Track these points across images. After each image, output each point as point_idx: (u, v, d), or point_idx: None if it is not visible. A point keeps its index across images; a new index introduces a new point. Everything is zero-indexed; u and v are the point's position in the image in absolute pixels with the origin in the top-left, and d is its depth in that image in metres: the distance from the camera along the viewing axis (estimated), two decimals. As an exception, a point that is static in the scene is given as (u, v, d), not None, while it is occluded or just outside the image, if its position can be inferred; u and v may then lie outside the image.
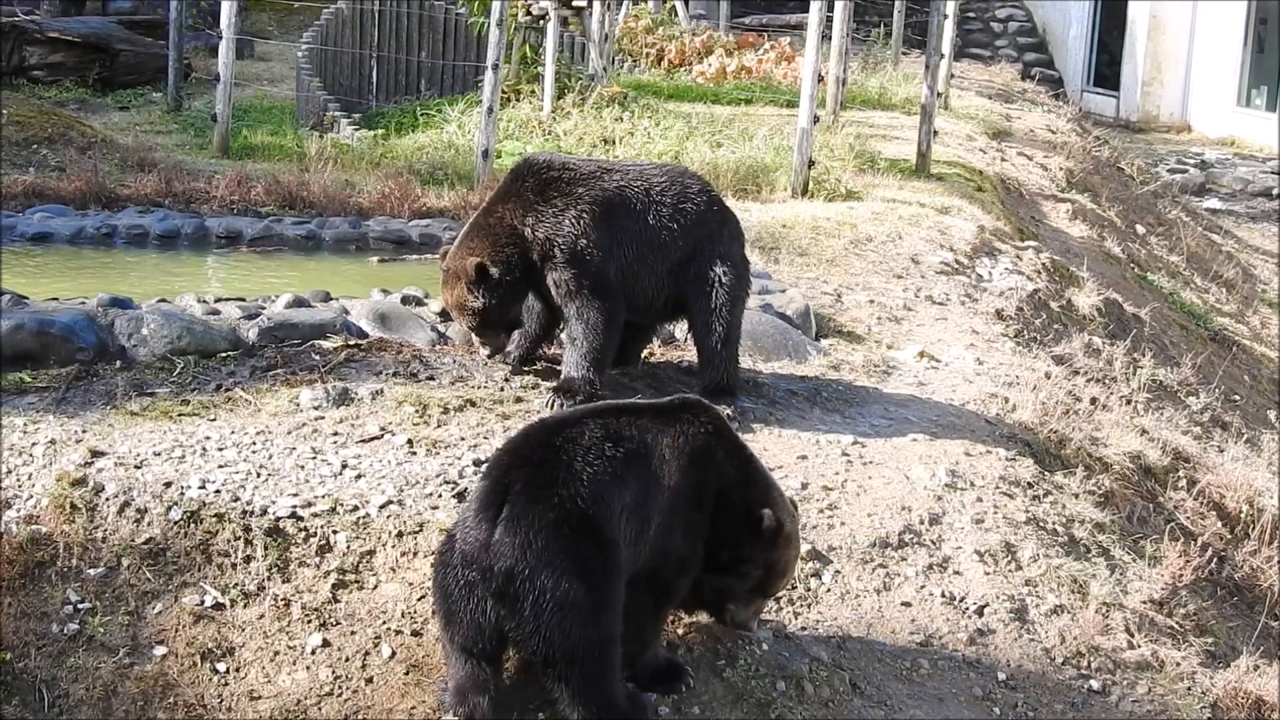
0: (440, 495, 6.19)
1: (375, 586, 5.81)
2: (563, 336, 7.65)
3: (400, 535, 5.98)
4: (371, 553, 5.91)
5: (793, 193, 13.40)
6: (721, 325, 7.40)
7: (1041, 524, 7.01)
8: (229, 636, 5.59)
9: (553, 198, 7.14)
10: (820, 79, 14.61)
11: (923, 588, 6.34)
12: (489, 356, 7.45)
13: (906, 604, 6.23)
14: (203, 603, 5.67)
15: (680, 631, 5.83)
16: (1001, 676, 5.99)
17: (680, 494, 5.35)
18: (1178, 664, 6.38)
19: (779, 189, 13.49)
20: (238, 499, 6.01)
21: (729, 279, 7.43)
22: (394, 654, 5.58)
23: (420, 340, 7.79)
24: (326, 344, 7.59)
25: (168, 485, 6.03)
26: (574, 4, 17.48)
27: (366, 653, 5.58)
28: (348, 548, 5.91)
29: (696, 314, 7.40)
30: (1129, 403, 9.40)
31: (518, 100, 17.00)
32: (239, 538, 5.87)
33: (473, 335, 7.46)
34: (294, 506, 6.01)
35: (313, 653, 5.57)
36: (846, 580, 6.27)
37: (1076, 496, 7.50)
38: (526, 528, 5.01)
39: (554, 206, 7.11)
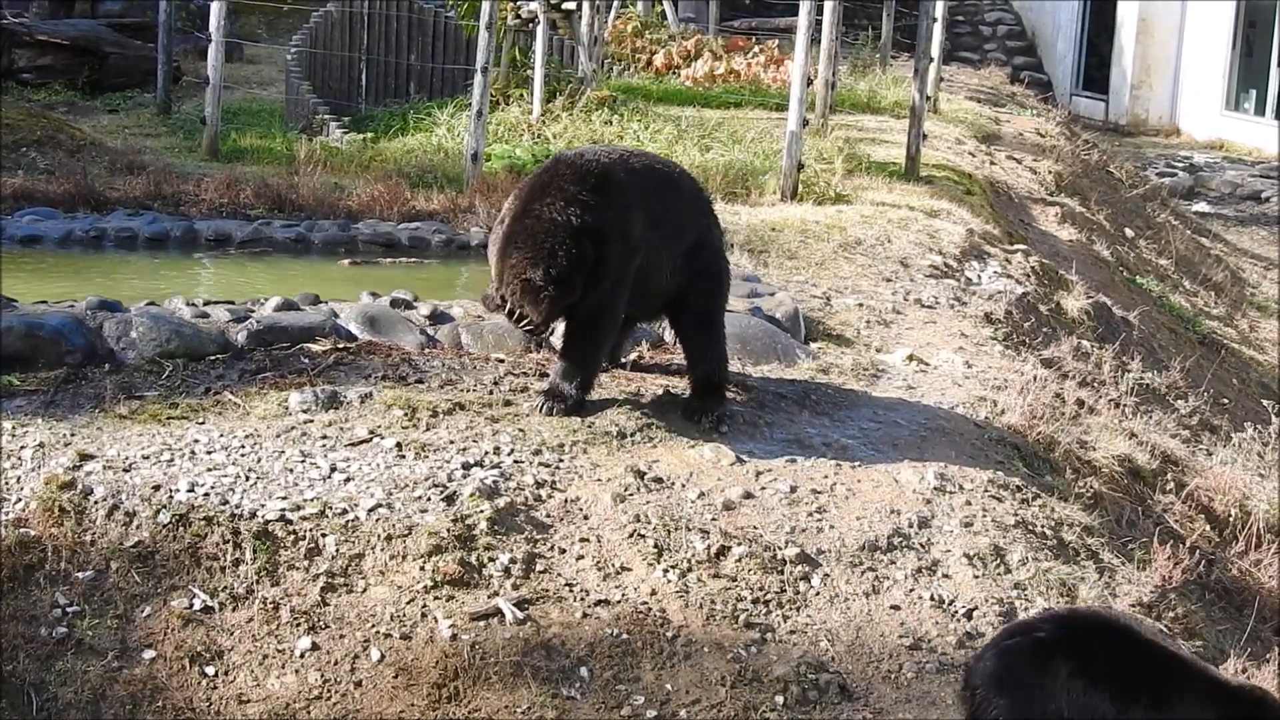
0: (429, 498, 6.19)
1: (364, 590, 5.81)
2: (553, 338, 7.64)
3: (389, 538, 5.98)
4: (360, 556, 5.91)
5: (782, 196, 13.40)
6: (715, 319, 7.41)
7: (1030, 527, 7.01)
8: (218, 640, 5.59)
9: (608, 190, 6.87)
10: (809, 82, 14.62)
11: (911, 591, 6.34)
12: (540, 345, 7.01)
13: (895, 607, 6.24)
14: (191, 606, 5.67)
15: (675, 621, 5.85)
16: (990, 679, 5.98)
17: None
18: (1166, 667, 6.38)
19: (768, 192, 13.50)
20: (226, 502, 6.00)
21: (722, 273, 7.46)
22: (383, 657, 5.58)
23: (409, 343, 7.79)
24: (315, 347, 7.59)
25: (156, 488, 6.02)
26: (563, 7, 17.47)
27: (355, 656, 5.58)
28: (336, 551, 5.91)
29: (691, 308, 7.34)
30: (1118, 406, 9.41)
31: (507, 103, 17.00)
32: (228, 541, 5.87)
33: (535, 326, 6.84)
34: (283, 510, 6.01)
35: (301, 656, 5.57)
36: (835, 583, 6.27)
37: (1065, 500, 7.50)
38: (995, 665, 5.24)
39: (603, 197, 6.84)
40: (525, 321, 6.76)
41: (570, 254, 6.65)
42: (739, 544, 6.29)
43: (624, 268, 6.91)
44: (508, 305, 6.72)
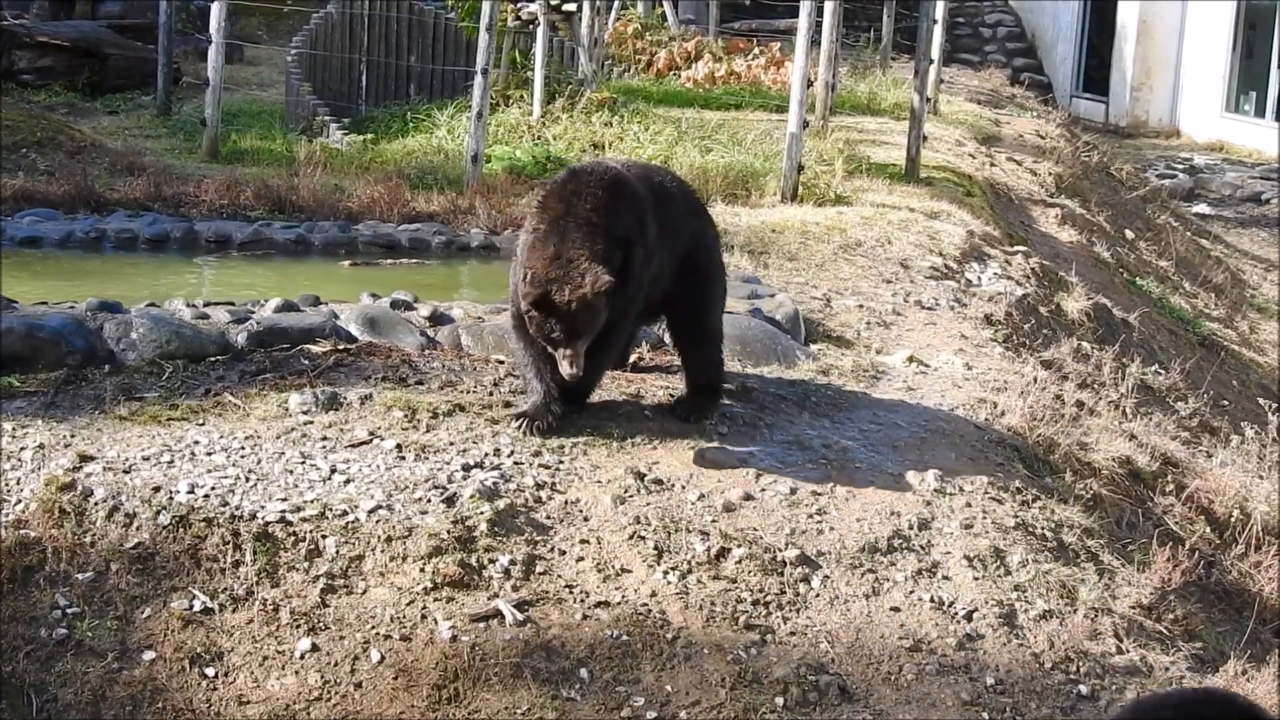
0: (429, 500, 6.19)
1: (364, 591, 5.81)
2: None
3: (389, 540, 5.98)
4: (360, 557, 5.91)
5: (782, 197, 13.40)
6: (710, 321, 7.42)
7: (1030, 529, 7.01)
8: (217, 641, 5.59)
9: (627, 197, 6.93)
10: (809, 84, 14.62)
11: (912, 593, 6.34)
12: (573, 377, 6.68)
13: (895, 609, 6.24)
14: (191, 607, 5.67)
15: (675, 623, 5.84)
16: (990, 681, 5.99)
17: None
18: (1166, 669, 6.38)
19: (768, 194, 13.50)
20: (226, 504, 6.00)
21: (714, 274, 7.49)
22: (383, 659, 5.58)
23: (409, 345, 7.79)
24: (315, 348, 7.59)
25: (156, 490, 6.02)
26: (563, 9, 17.48)
27: (355, 657, 5.58)
28: (336, 552, 5.91)
29: (686, 310, 7.37)
30: (1118, 407, 9.41)
31: (507, 105, 17.01)
32: (228, 542, 5.87)
33: (577, 349, 6.61)
34: (283, 511, 6.01)
35: (301, 657, 5.57)
36: (835, 585, 6.27)
37: (1065, 501, 7.50)
38: None
39: (625, 204, 6.90)
40: (578, 309, 6.52)
41: (614, 256, 6.67)
42: (739, 546, 6.29)
43: (643, 273, 6.94)
44: (565, 289, 6.48)
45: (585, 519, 6.34)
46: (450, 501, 6.20)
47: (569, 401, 7.05)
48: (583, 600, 5.94)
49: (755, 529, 6.43)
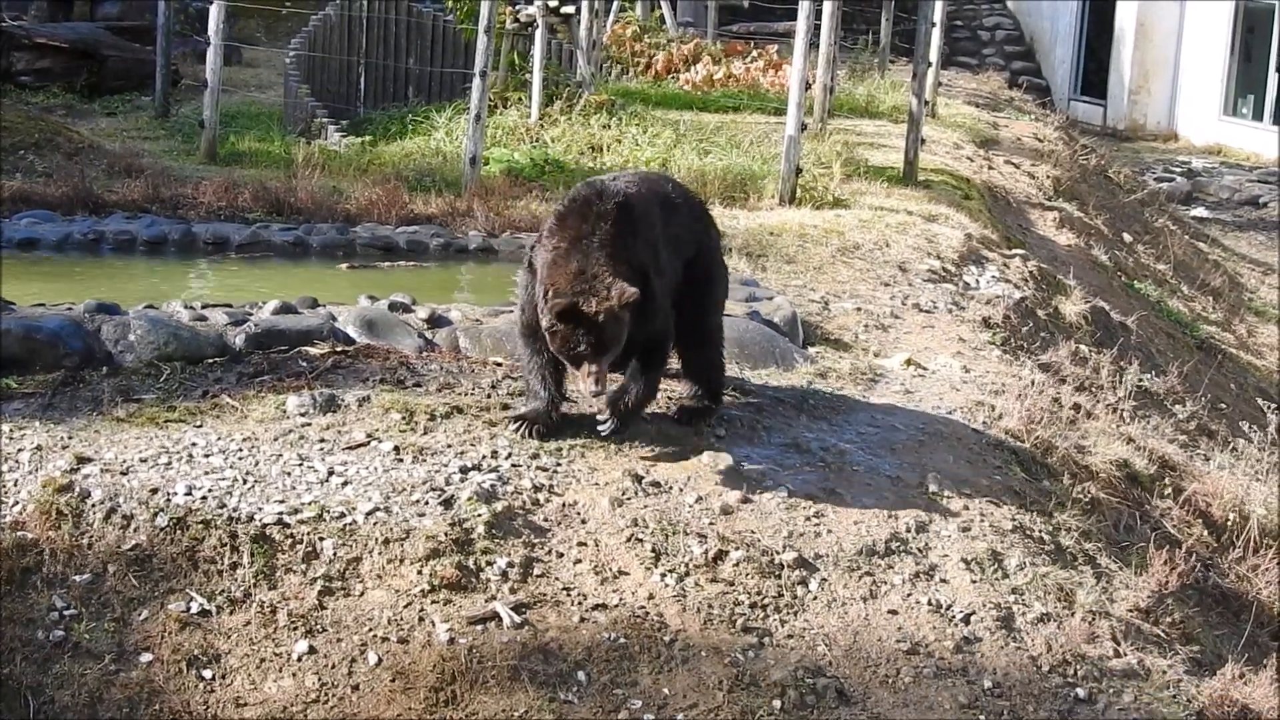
0: (427, 502, 6.19)
1: (362, 593, 5.81)
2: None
3: (387, 542, 5.97)
4: (358, 560, 5.91)
5: (780, 200, 13.41)
6: (711, 325, 7.42)
7: (1028, 532, 7.01)
8: (215, 643, 5.58)
9: (639, 224, 6.88)
10: (808, 87, 14.63)
11: (909, 595, 6.34)
12: (597, 394, 6.67)
13: (893, 612, 6.23)
14: (189, 609, 5.66)
15: (673, 625, 5.84)
16: (988, 684, 5.99)
17: None
18: (1164, 672, 6.38)
19: (766, 196, 13.50)
20: (224, 506, 6.00)
21: (720, 277, 7.52)
22: (380, 661, 5.58)
23: (407, 347, 7.79)
24: (313, 350, 7.59)
25: (154, 492, 6.02)
26: (561, 11, 17.49)
27: (353, 660, 5.58)
28: (334, 555, 5.90)
29: (690, 313, 7.34)
30: (1115, 411, 9.41)
31: (505, 107, 17.00)
32: (225, 544, 5.86)
33: (602, 366, 6.54)
34: (280, 513, 6.00)
35: (299, 660, 5.56)
36: (833, 588, 6.27)
37: (1063, 504, 7.50)
38: None
39: (642, 222, 6.89)
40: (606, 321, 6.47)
41: (635, 275, 6.62)
42: (737, 548, 6.29)
43: (661, 285, 6.91)
44: (593, 301, 6.42)
45: (583, 521, 6.34)
46: (448, 504, 6.20)
47: (622, 425, 6.99)
48: (580, 603, 5.94)
49: (753, 531, 6.43)
